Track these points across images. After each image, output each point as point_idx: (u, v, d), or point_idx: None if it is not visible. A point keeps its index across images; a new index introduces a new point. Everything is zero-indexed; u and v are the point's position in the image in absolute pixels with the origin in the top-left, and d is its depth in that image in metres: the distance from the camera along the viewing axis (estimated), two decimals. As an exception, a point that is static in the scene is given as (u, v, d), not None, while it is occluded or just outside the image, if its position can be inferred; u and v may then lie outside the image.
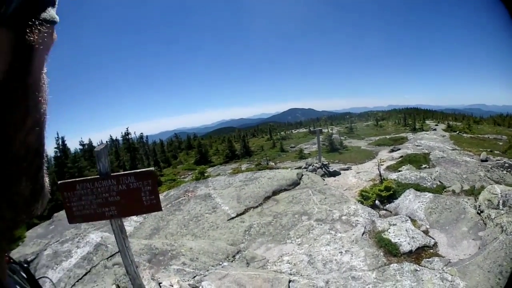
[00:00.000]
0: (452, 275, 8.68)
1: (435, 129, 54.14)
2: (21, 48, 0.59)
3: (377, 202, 15.58)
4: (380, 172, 19.65)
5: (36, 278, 1.19)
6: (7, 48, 0.56)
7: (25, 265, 1.18)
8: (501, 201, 12.15)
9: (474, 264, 8.98)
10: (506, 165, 21.80)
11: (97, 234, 12.91)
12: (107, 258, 10.92)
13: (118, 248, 6.87)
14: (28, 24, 0.60)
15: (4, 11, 0.53)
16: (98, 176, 6.18)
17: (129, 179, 6.18)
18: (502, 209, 11.72)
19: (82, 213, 6.10)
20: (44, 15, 0.64)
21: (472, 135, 43.67)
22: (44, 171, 0.73)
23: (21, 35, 0.59)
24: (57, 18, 0.70)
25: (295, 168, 24.10)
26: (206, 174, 27.38)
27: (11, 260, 1.22)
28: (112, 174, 6.25)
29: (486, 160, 23.79)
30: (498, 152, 29.45)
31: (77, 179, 6.27)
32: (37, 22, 0.62)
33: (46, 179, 0.74)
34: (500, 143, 35.77)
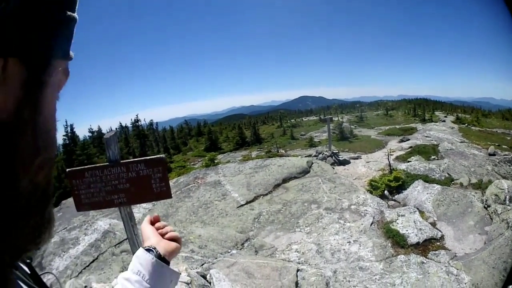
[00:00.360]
0: (457, 269, 8.78)
1: (444, 121, 53.79)
2: (32, 84, 0.58)
3: (386, 192, 15.63)
4: (389, 162, 19.55)
5: (39, 273, 1.17)
6: (17, 82, 0.55)
7: (28, 260, 1.16)
8: (507, 197, 12.16)
9: (479, 259, 9.06)
10: (514, 160, 21.75)
11: (106, 221, 13.03)
12: (115, 245, 11.04)
13: (126, 235, 6.85)
14: (43, 59, 0.59)
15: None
16: (107, 163, 6.13)
17: (139, 166, 6.05)
18: (508, 205, 11.73)
19: (90, 200, 6.02)
20: (58, 51, 0.64)
21: (481, 128, 43.46)
22: (51, 206, 0.72)
23: (34, 69, 0.58)
24: (72, 55, 0.71)
25: (305, 156, 24.09)
26: (216, 161, 27.54)
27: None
28: (121, 161, 6.20)
29: (494, 154, 23.76)
30: (506, 147, 29.27)
31: (86, 166, 6.21)
32: (52, 57, 0.62)
33: (53, 211, 0.73)
34: (508, 138, 35.66)
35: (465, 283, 8.23)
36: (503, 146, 29.22)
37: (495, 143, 29.13)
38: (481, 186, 15.23)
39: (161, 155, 6.41)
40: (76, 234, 12.44)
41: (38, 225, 0.67)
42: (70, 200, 14.89)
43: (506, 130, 43.13)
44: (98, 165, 6.19)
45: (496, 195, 12.54)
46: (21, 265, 1.09)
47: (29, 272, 1.10)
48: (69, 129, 40.11)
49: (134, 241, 6.66)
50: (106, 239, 11.47)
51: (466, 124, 47.38)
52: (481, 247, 9.98)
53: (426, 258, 9.64)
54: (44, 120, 0.62)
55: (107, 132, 7.05)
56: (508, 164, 21.20)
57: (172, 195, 7.34)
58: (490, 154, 23.77)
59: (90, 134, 52.90)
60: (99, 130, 54.55)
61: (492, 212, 11.70)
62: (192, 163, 36.57)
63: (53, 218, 0.73)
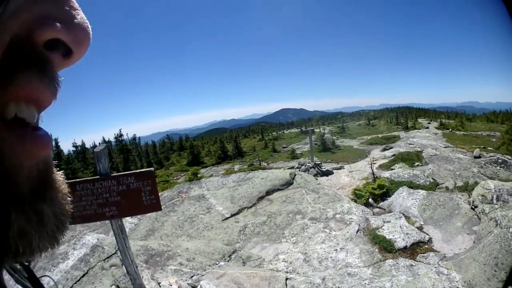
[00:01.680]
0: (448, 269, 8.81)
1: (427, 127, 54.67)
2: None
3: (370, 200, 15.78)
4: (373, 170, 19.87)
5: (38, 277, 1.12)
6: None
7: (26, 263, 1.10)
8: (495, 196, 12.39)
9: (469, 257, 9.12)
10: (500, 160, 22.00)
11: (93, 235, 12.93)
12: (104, 260, 10.86)
13: (118, 248, 6.92)
14: None
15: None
16: (98, 176, 6.20)
17: (129, 179, 6.24)
18: (496, 204, 11.95)
19: (82, 214, 6.09)
20: None
21: (465, 132, 44.10)
22: (55, 200, 0.61)
23: None
24: None
25: (288, 168, 24.27)
26: (199, 175, 27.70)
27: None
28: (112, 174, 6.30)
29: (479, 157, 24.00)
30: (491, 148, 29.70)
31: (77, 180, 6.27)
32: None
33: (62, 200, 0.64)
34: (494, 140, 36.07)
35: (457, 281, 8.26)
36: (489, 148, 29.64)
37: (480, 146, 29.58)
38: (467, 188, 15.40)
39: (150, 169, 6.55)
40: (65, 249, 12.33)
41: (31, 223, 0.54)
42: None
43: (491, 132, 43.80)
44: (89, 178, 6.29)
45: (483, 195, 12.72)
46: (19, 268, 1.06)
47: (26, 275, 1.07)
48: (53, 143, 40.26)
49: (126, 253, 6.70)
50: (95, 253, 11.34)
51: (450, 129, 48.09)
52: (471, 246, 10.06)
53: (415, 261, 9.68)
54: None
55: (94, 146, 7.12)
56: (494, 164, 21.46)
57: (161, 210, 7.36)
58: (475, 157, 24.05)
59: (74, 149, 52.75)
60: (83, 145, 54.66)
61: (480, 212, 11.83)
62: (175, 177, 36.59)
63: (59, 220, 0.62)
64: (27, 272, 1.08)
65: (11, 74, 0.48)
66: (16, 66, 0.49)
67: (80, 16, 0.58)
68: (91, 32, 0.60)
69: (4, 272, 0.74)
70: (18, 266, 1.06)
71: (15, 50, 0.48)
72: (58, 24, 0.53)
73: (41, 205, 0.55)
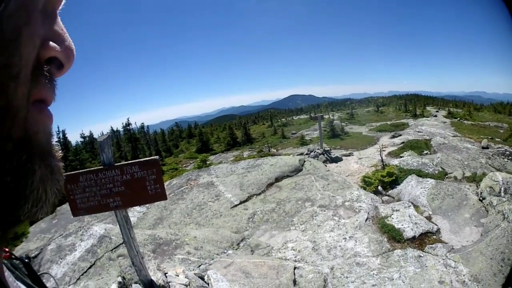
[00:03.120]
0: (455, 262, 8.82)
1: (435, 116, 54.18)
2: None
3: (379, 188, 15.76)
4: (382, 158, 19.77)
5: (38, 274, 1.20)
6: None
7: (26, 260, 1.21)
8: (502, 189, 12.30)
9: (476, 251, 9.11)
10: (507, 153, 21.89)
11: (101, 226, 13.03)
12: (112, 250, 10.99)
13: (123, 239, 6.87)
14: None
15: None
16: (101, 166, 6.18)
17: (133, 169, 6.20)
18: (503, 197, 11.87)
19: (86, 205, 6.14)
20: None
21: (473, 122, 43.63)
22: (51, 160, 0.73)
23: None
24: None
25: (297, 155, 24.15)
26: (208, 162, 27.58)
27: (12, 256, 1.23)
28: (116, 164, 6.29)
29: (487, 148, 23.96)
30: (499, 139, 29.55)
31: (80, 170, 6.23)
32: None
33: (59, 161, 0.76)
34: (501, 131, 35.80)
35: (464, 275, 8.26)
36: (496, 139, 29.48)
37: (488, 136, 29.39)
38: (475, 179, 15.35)
39: (155, 157, 6.45)
40: (72, 240, 12.40)
41: (47, 172, 0.69)
42: (65, 206, 14.90)
43: (499, 123, 43.41)
44: (92, 169, 6.23)
45: (490, 187, 12.65)
46: (20, 265, 1.12)
47: (26, 272, 1.12)
48: (61, 135, 40.19)
49: (131, 244, 6.67)
50: (102, 244, 11.42)
51: (458, 118, 47.59)
52: (478, 239, 10.04)
53: (423, 251, 9.68)
54: None
55: (99, 136, 7.03)
56: (502, 156, 21.39)
57: (166, 199, 7.31)
58: (483, 147, 23.97)
59: (82, 139, 53.34)
60: (91, 135, 54.89)
61: (487, 204, 11.78)
62: (184, 165, 36.47)
63: (61, 172, 0.75)
64: (27, 269, 1.15)
65: (36, 77, 0.63)
66: (37, 72, 0.64)
67: (69, 38, 0.74)
68: (75, 52, 0.76)
69: (4, 269, 0.81)
70: (18, 264, 1.14)
71: (37, 63, 0.63)
72: (56, 45, 0.69)
73: (52, 160, 0.71)
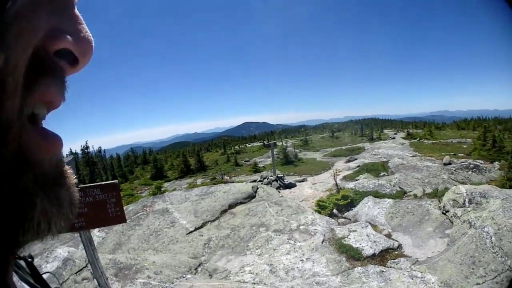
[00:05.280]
0: (421, 272, 8.96)
1: (393, 138, 55.46)
2: None
3: (335, 211, 16.09)
4: (336, 182, 20.14)
5: (41, 273, 1.19)
6: None
7: (29, 260, 1.19)
8: (467, 199, 12.68)
9: (444, 259, 9.33)
10: (471, 165, 22.68)
11: (64, 249, 12.86)
12: (76, 273, 10.91)
13: (87, 260, 7.12)
14: None
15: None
16: None
17: (95, 191, 6.37)
18: (468, 207, 12.23)
19: None
20: None
21: (434, 141, 44.88)
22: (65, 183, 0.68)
23: None
24: None
25: (250, 182, 24.35)
26: (162, 189, 28.03)
27: (15, 255, 1.24)
28: (79, 186, 6.14)
29: (449, 164, 24.70)
30: (462, 154, 30.49)
31: None
32: None
33: (72, 189, 0.70)
34: (465, 146, 36.92)
35: (433, 283, 8.43)
36: (459, 154, 30.41)
37: (450, 153, 30.35)
38: (437, 194, 15.98)
39: (115, 181, 6.81)
40: (39, 262, 12.19)
41: (52, 205, 0.61)
42: None
43: (462, 139, 44.73)
44: None
45: (454, 200, 13.07)
46: (23, 265, 1.13)
47: (29, 272, 1.14)
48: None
49: (96, 265, 6.98)
50: (67, 266, 11.32)
51: (418, 139, 48.87)
52: (445, 249, 10.33)
53: (385, 267, 9.86)
54: None
55: (64, 157, 6.97)
56: (466, 169, 22.12)
57: (126, 222, 7.45)
58: (445, 164, 24.76)
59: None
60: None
61: (451, 216, 12.22)
62: (140, 191, 36.51)
63: (72, 204, 0.68)
64: (30, 269, 1.15)
65: (34, 79, 0.55)
66: (38, 72, 0.55)
67: (86, 29, 0.67)
68: (94, 45, 0.69)
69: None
70: (22, 263, 1.14)
71: (37, 58, 0.54)
72: (68, 36, 0.61)
73: (60, 191, 0.64)
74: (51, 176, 0.61)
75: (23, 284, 0.95)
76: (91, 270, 7.07)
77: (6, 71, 0.48)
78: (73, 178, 0.70)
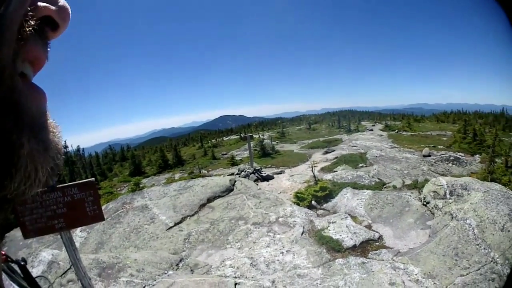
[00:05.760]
0: (404, 263, 9.03)
1: (371, 130, 55.91)
2: None
3: (313, 202, 16.15)
4: (314, 173, 20.33)
5: (34, 277, 1.27)
6: None
7: (22, 263, 1.26)
8: (447, 191, 12.81)
9: (426, 251, 9.42)
10: (452, 158, 22.93)
11: (48, 251, 12.85)
12: (61, 276, 10.96)
13: (70, 261, 7.19)
14: None
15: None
16: (45, 188, 6.10)
17: (73, 190, 6.47)
18: (450, 199, 12.36)
19: (34, 227, 6.29)
20: None
21: (413, 133, 45.23)
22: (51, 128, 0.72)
23: None
24: None
25: (228, 175, 24.42)
26: (141, 185, 28.03)
27: (8, 259, 1.29)
28: (58, 186, 6.52)
29: (429, 155, 24.89)
30: (442, 147, 30.71)
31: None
32: None
33: (57, 138, 0.74)
34: (444, 139, 37.30)
35: (416, 274, 8.48)
36: (439, 147, 30.63)
37: (430, 145, 30.57)
38: (416, 186, 16.12)
39: (91, 179, 6.90)
40: None
41: (39, 147, 0.66)
42: (13, 232, 14.68)
43: (442, 131, 45.20)
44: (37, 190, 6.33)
45: (434, 191, 13.19)
46: (16, 268, 1.20)
47: (22, 275, 1.22)
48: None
49: (78, 266, 7.07)
50: (52, 270, 11.38)
51: (397, 130, 49.36)
52: (427, 240, 10.41)
53: (367, 258, 9.93)
54: None
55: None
56: (446, 162, 22.35)
57: (104, 222, 7.48)
58: (424, 156, 24.94)
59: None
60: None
61: (432, 208, 12.36)
62: (119, 188, 36.59)
63: (51, 144, 0.71)
64: (23, 272, 1.24)
65: (25, 36, 0.62)
66: (27, 32, 0.62)
67: None
68: (70, 11, 0.77)
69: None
70: (15, 266, 1.22)
71: (26, 21, 0.62)
72: (49, 4, 0.69)
73: (46, 135, 0.68)
74: (37, 121, 0.65)
75: (16, 287, 0.98)
76: (74, 271, 7.09)
77: (5, 21, 0.55)
78: (58, 129, 0.74)
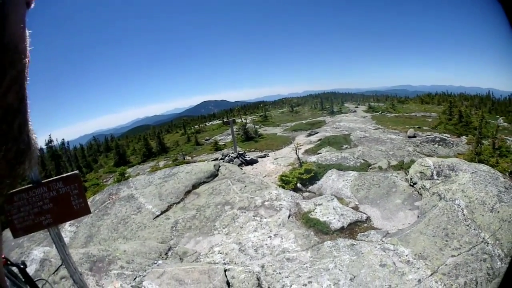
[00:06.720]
0: (394, 245, 9.07)
1: (355, 111, 56.35)
2: None
3: (299, 185, 16.25)
4: (298, 156, 20.24)
5: (34, 280, 1.27)
6: None
7: (22, 266, 1.30)
8: (434, 172, 12.90)
9: (416, 231, 9.47)
10: (438, 139, 23.11)
11: (39, 249, 12.73)
12: (54, 273, 10.84)
13: (60, 258, 7.15)
14: None
15: None
16: (31, 185, 6.30)
17: (58, 185, 6.43)
18: (437, 179, 12.44)
19: (22, 225, 6.24)
20: None
21: (397, 114, 45.79)
22: (30, 127, 0.72)
23: None
24: None
25: (212, 160, 24.65)
26: (126, 175, 27.97)
27: (8, 262, 1.32)
28: (43, 181, 6.42)
29: (414, 136, 25.21)
30: (427, 128, 31.00)
31: (13, 190, 6.12)
32: None
33: (33, 136, 0.73)
34: (429, 120, 37.68)
35: (406, 255, 8.53)
36: (424, 128, 30.93)
37: (415, 126, 30.83)
38: (402, 166, 16.29)
39: (75, 172, 6.82)
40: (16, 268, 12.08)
41: (14, 153, 0.66)
42: (4, 233, 14.54)
43: (427, 113, 45.68)
44: (23, 187, 6.44)
45: (421, 172, 13.28)
46: (16, 272, 1.22)
47: (23, 279, 1.24)
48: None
49: (68, 262, 7.02)
50: (45, 267, 11.23)
51: (380, 112, 49.80)
52: (415, 221, 10.51)
53: (355, 240, 9.99)
54: (10, 37, 0.62)
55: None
56: (432, 143, 22.53)
57: (92, 214, 7.44)
58: (409, 137, 25.26)
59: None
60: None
61: (420, 188, 12.47)
62: (105, 180, 36.91)
63: (32, 142, 0.72)
64: (23, 275, 1.26)
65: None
66: None
67: None
68: None
69: None
70: (15, 270, 1.21)
71: None
72: None
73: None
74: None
75: None
76: (65, 267, 7.08)
77: None
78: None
